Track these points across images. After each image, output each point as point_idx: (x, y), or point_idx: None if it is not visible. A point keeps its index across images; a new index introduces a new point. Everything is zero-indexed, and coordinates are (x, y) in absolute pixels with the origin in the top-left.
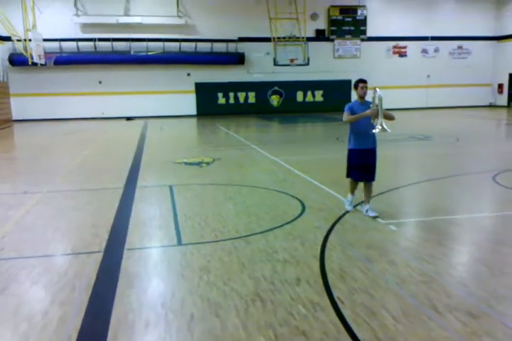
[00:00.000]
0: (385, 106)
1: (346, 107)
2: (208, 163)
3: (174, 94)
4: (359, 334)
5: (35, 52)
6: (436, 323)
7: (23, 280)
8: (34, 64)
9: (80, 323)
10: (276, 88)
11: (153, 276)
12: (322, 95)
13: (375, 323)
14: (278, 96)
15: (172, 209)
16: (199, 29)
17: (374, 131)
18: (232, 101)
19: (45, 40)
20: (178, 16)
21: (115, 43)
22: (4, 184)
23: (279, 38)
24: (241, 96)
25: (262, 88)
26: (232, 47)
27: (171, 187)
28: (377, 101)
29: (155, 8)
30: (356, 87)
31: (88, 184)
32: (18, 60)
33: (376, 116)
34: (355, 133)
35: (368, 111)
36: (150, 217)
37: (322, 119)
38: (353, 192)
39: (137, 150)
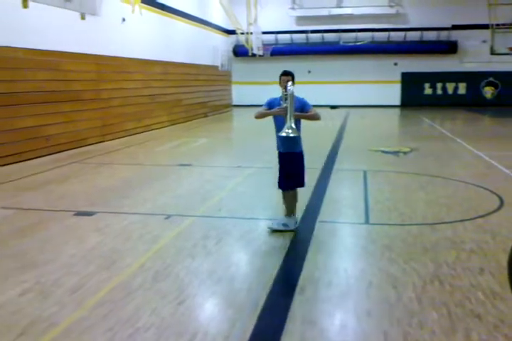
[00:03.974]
0: None
1: (265, 101)
2: (405, 153)
3: (379, 84)
4: None
5: (255, 44)
6: None
7: (234, 234)
8: (253, 55)
9: (275, 273)
10: (491, 79)
11: (339, 246)
12: None
13: None
14: (493, 88)
15: (363, 192)
16: (409, 18)
17: (280, 133)
18: (439, 92)
19: (263, 33)
20: (390, 6)
21: (325, 34)
22: (224, 159)
23: (497, 25)
24: (450, 86)
25: (474, 79)
26: (443, 35)
27: (365, 172)
28: (287, 98)
29: None
30: (279, 80)
31: None
32: (240, 51)
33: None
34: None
35: (274, 110)
36: (342, 197)
37: None
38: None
39: (337, 136)
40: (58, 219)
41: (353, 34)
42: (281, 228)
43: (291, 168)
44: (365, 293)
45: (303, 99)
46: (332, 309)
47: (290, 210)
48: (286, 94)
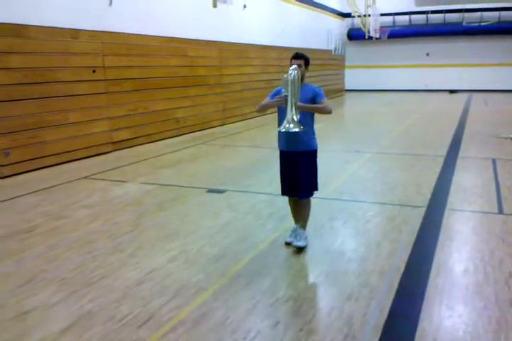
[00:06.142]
0: None
1: (273, 91)
2: None
3: (504, 67)
4: None
5: (373, 26)
6: None
7: (359, 217)
8: (370, 38)
9: (406, 258)
10: None
11: (472, 235)
12: None
13: None
14: None
15: (494, 181)
16: None
17: (280, 128)
18: None
19: (381, 14)
20: None
21: (447, 14)
22: (340, 143)
23: None
24: None
25: None
26: None
27: (494, 161)
28: (288, 86)
29: None
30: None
31: (411, 149)
32: (355, 35)
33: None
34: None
35: (273, 101)
36: (471, 185)
37: None
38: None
39: (459, 122)
40: (193, 194)
41: (478, 14)
42: (306, 243)
43: (299, 171)
44: (505, 283)
45: (317, 87)
46: (470, 296)
47: (305, 222)
48: (287, 81)
